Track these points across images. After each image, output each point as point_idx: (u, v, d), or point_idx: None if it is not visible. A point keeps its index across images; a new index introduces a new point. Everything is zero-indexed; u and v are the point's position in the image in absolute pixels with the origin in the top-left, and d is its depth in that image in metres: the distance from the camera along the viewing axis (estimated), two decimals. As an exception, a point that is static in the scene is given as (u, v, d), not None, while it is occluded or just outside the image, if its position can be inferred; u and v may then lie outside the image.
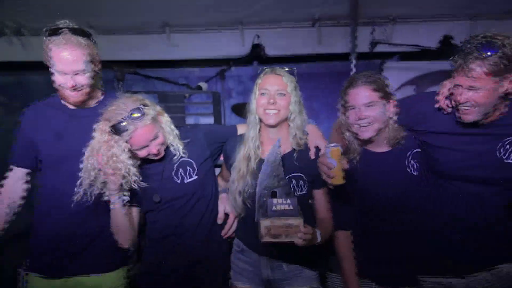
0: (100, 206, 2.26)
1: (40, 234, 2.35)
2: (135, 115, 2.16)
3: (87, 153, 2.19)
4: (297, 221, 2.03)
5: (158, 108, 2.30)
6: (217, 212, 2.40)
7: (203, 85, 4.12)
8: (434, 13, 4.43)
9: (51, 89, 2.33)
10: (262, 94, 2.29)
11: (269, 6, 4.26)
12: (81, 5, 4.05)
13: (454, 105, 2.17)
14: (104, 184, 2.19)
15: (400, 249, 2.30)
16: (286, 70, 2.33)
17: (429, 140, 2.29)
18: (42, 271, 2.32)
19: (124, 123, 2.14)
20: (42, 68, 2.28)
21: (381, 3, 4.31)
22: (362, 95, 2.21)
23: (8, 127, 5.10)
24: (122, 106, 2.17)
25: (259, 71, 2.38)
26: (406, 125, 2.32)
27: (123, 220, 2.24)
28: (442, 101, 2.22)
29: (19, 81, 5.37)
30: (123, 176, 2.19)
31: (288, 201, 2.08)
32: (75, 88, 2.21)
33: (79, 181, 2.18)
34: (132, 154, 2.23)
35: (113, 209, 2.21)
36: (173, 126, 2.35)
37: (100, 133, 2.17)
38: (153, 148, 2.22)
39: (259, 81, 2.34)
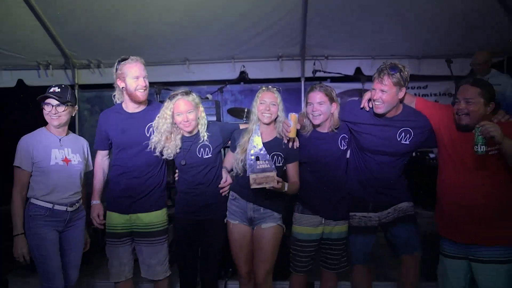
0: (154, 169, 2.32)
1: (114, 187, 2.34)
2: (183, 92, 2.26)
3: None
4: (272, 173, 2.05)
5: (200, 104, 2.34)
6: (221, 177, 2.37)
7: (209, 96, 4.05)
8: (350, 54, 4.52)
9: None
10: (261, 103, 2.24)
11: (251, 48, 4.34)
12: (133, 48, 3.98)
13: (371, 106, 2.21)
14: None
15: (337, 194, 2.31)
16: (275, 89, 2.29)
17: (356, 128, 2.30)
18: (116, 209, 2.33)
19: (175, 94, 2.24)
20: (111, 87, 2.33)
21: (319, 47, 4.40)
22: (316, 96, 2.22)
23: (92, 124, 5.14)
24: (180, 90, 2.27)
25: (260, 87, 2.34)
26: (344, 119, 2.32)
27: None
28: (363, 103, 2.27)
29: (97, 95, 5.50)
30: (176, 124, 2.25)
31: (266, 162, 2.10)
32: (145, 88, 2.23)
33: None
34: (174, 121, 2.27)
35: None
36: (205, 119, 2.35)
37: (164, 108, 2.26)
38: (186, 117, 2.22)
39: (259, 94, 2.27)
